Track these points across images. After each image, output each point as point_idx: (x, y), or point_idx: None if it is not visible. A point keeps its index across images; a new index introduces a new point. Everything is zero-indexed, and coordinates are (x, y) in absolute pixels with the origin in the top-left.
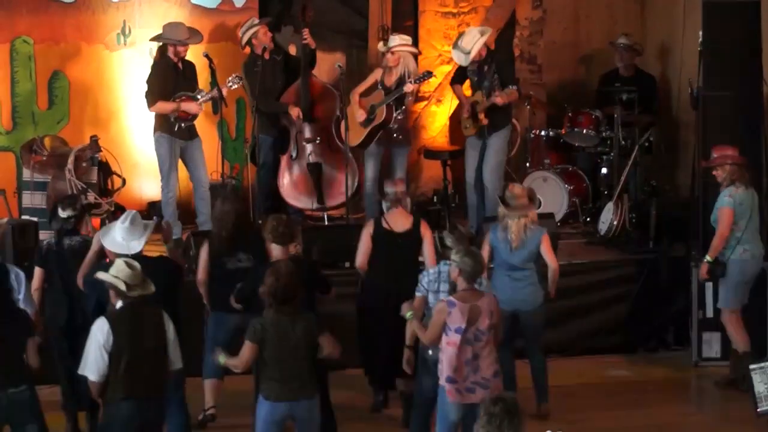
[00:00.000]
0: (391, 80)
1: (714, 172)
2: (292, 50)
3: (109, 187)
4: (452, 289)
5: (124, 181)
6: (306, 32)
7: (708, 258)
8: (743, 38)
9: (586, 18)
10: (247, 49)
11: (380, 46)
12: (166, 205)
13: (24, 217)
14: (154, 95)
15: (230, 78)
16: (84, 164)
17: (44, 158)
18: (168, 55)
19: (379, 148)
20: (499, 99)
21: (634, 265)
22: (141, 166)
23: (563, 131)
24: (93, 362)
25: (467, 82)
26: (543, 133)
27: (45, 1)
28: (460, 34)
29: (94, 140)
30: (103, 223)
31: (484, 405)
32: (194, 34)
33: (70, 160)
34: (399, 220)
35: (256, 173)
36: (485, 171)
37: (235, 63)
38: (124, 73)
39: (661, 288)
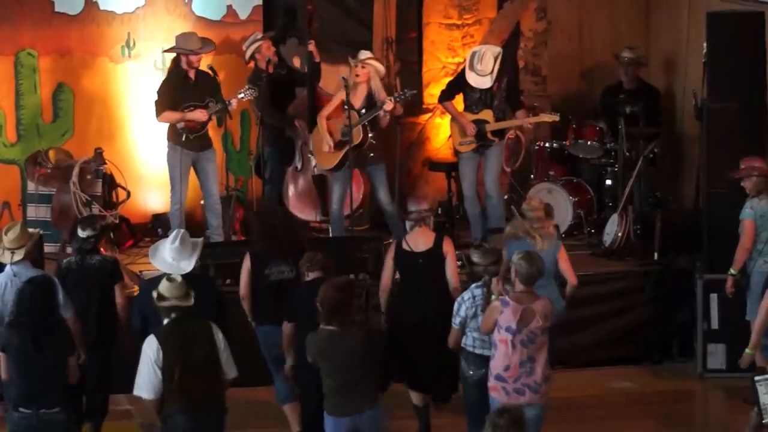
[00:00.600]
0: (357, 99)
1: (742, 184)
2: (297, 62)
3: (114, 199)
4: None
5: (128, 194)
6: (312, 44)
7: (732, 271)
8: (747, 49)
9: (590, 29)
10: (252, 63)
11: (351, 61)
12: (173, 216)
13: (29, 229)
14: (161, 105)
15: (243, 89)
16: (89, 177)
17: (49, 171)
18: (181, 65)
19: (348, 171)
20: (530, 123)
21: (638, 276)
22: (146, 179)
23: (568, 143)
24: (147, 380)
25: (458, 97)
26: (547, 144)
27: (49, 13)
28: (473, 56)
29: (99, 153)
30: (108, 237)
31: (489, 416)
32: (207, 44)
33: (75, 172)
34: (420, 240)
35: (261, 185)
36: (488, 181)
37: (239, 75)
38: (129, 85)
39: (665, 299)
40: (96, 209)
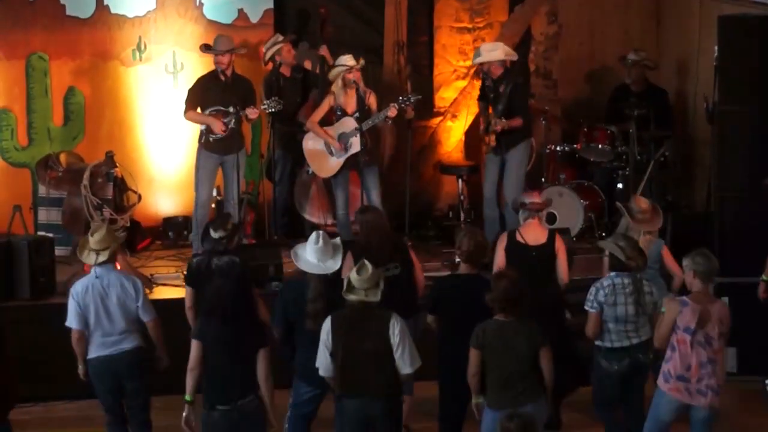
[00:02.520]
0: (349, 104)
1: None
2: (307, 66)
3: (125, 203)
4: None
5: (139, 197)
6: (325, 48)
7: (764, 277)
8: (759, 53)
9: (601, 33)
10: (270, 65)
11: (335, 72)
12: (194, 218)
13: (40, 233)
14: (186, 104)
15: (267, 101)
16: (99, 180)
17: (60, 174)
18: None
19: (346, 173)
20: (498, 127)
21: None
22: (157, 182)
23: (579, 146)
24: (322, 358)
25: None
26: (558, 148)
27: (61, 17)
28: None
29: (110, 156)
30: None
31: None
32: (235, 49)
33: (86, 176)
34: (533, 233)
35: (272, 189)
36: (506, 186)
37: (250, 78)
38: (140, 88)
39: None
40: (107, 213)
